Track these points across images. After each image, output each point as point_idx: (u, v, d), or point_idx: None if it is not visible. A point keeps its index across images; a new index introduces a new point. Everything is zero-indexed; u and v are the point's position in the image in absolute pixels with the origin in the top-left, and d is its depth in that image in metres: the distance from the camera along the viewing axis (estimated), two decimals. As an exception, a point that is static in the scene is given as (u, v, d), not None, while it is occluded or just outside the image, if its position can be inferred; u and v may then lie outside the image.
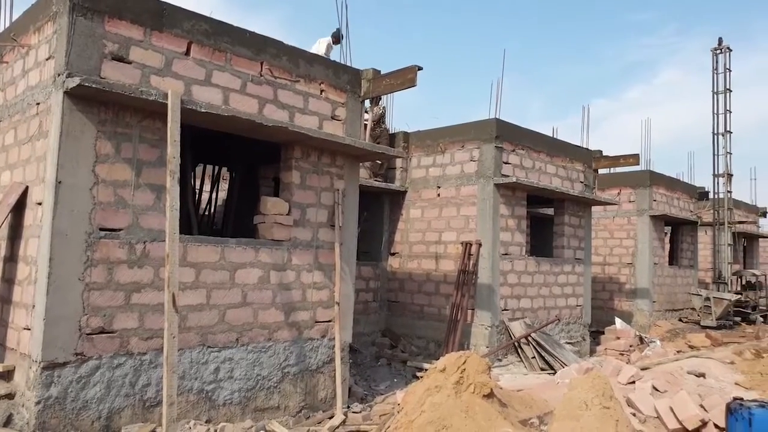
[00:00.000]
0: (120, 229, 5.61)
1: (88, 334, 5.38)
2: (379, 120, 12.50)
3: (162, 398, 5.35)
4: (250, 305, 6.59)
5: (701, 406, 6.94)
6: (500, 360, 10.26)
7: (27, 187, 5.77)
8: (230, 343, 6.41)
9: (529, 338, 10.35)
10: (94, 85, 5.12)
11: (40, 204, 5.43)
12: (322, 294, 7.28)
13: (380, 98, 12.56)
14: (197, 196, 10.56)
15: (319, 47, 12.20)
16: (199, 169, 11.07)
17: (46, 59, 5.63)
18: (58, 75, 5.30)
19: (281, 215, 6.91)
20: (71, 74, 5.21)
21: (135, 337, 5.69)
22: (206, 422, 6.13)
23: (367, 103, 11.23)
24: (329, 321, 7.32)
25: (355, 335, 8.55)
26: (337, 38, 12.37)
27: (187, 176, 8.77)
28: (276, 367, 6.80)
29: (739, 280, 18.83)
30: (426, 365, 9.29)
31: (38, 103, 5.70)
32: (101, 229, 5.48)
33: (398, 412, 6.01)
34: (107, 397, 5.48)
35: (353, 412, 7.15)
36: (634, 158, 12.93)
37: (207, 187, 11.20)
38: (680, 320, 16.23)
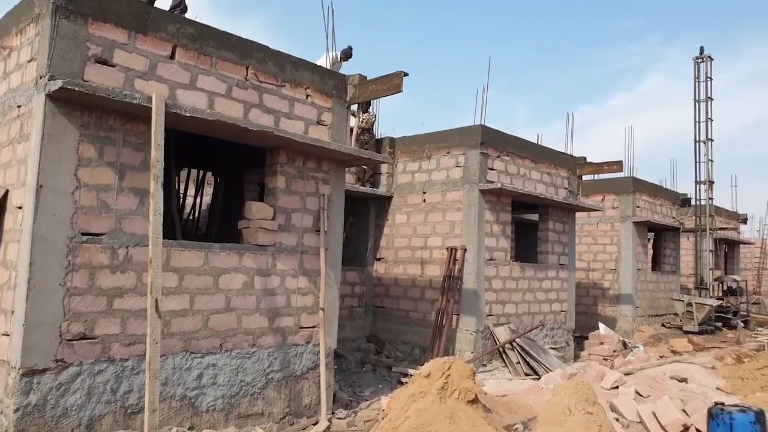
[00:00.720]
0: (102, 234, 5.55)
1: (68, 340, 5.31)
2: (370, 129, 12.47)
3: (144, 405, 5.29)
4: (234, 311, 6.54)
5: (683, 410, 7.00)
6: (485, 365, 10.28)
7: (7, 191, 5.69)
8: (214, 349, 6.35)
9: (514, 343, 10.39)
10: (76, 88, 5.06)
11: (20, 208, 5.36)
12: (307, 299, 7.25)
13: (370, 104, 12.57)
14: (181, 200, 10.49)
15: (325, 61, 12.02)
16: (183, 174, 10.99)
17: (28, 61, 5.57)
18: (40, 77, 5.24)
19: (266, 220, 6.88)
20: (53, 77, 5.15)
21: (117, 343, 5.62)
22: (189, 429, 6.06)
23: (354, 107, 11.24)
24: (314, 327, 7.29)
25: (340, 341, 8.53)
26: (346, 55, 12.29)
27: (172, 180, 8.70)
28: (260, 373, 6.76)
29: (720, 285, 19.07)
30: (411, 371, 9.27)
31: (19, 106, 5.63)
32: (83, 234, 5.42)
33: (383, 418, 6.00)
34: (88, 404, 5.41)
35: (338, 419, 7.12)
36: (618, 165, 13.05)
37: (191, 191, 11.12)
38: (663, 325, 16.39)
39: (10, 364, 5.16)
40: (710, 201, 17.55)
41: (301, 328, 7.19)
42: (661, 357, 12.36)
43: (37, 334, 5.11)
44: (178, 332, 6.06)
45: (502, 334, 10.58)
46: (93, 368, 5.45)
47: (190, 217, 10.84)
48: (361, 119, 12.31)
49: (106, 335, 5.55)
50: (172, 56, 6.06)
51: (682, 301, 15.98)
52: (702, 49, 17.47)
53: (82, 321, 5.39)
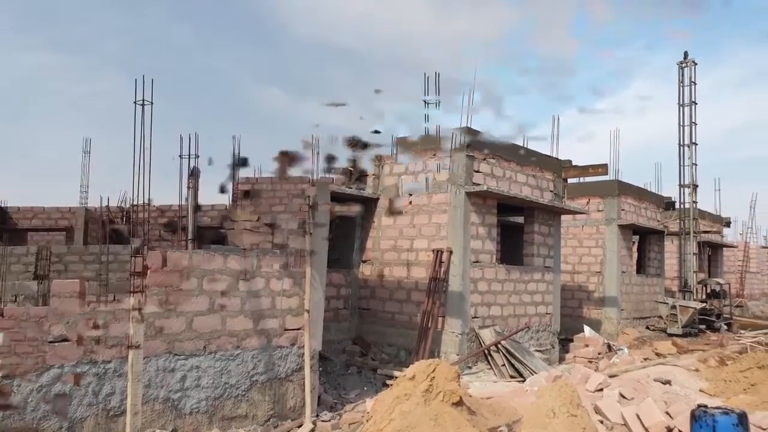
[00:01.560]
0: (84, 235, 5.49)
1: (50, 342, 5.24)
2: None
3: (126, 407, 5.24)
4: (219, 313, 6.50)
5: (667, 413, 7.05)
6: (470, 367, 10.29)
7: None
8: (198, 351, 6.31)
9: (499, 346, 10.40)
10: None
11: None
12: (292, 301, 7.22)
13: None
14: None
15: None
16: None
17: None
18: None
19: (251, 222, 6.83)
20: None
21: (99, 345, 5.56)
22: (172, 431, 6.02)
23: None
24: (299, 329, 7.26)
25: (326, 343, 8.50)
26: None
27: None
28: (244, 376, 6.71)
29: (704, 288, 19.22)
30: (396, 373, 9.25)
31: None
32: (65, 235, 5.36)
33: (367, 420, 5.99)
34: (69, 406, 5.34)
35: (322, 421, 7.09)
36: (603, 168, 13.14)
37: (176, 192, 11.05)
38: (647, 328, 16.50)
39: (-10, 366, 5.08)
40: (694, 204, 17.70)
41: (285, 330, 7.15)
42: (645, 359, 12.44)
43: (17, 336, 5.05)
44: (161, 334, 6.00)
45: (488, 336, 10.59)
46: (75, 370, 5.39)
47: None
48: None
49: (89, 337, 5.48)
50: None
51: (667, 303, 16.11)
52: (686, 54, 17.64)
53: (63, 323, 5.33)
